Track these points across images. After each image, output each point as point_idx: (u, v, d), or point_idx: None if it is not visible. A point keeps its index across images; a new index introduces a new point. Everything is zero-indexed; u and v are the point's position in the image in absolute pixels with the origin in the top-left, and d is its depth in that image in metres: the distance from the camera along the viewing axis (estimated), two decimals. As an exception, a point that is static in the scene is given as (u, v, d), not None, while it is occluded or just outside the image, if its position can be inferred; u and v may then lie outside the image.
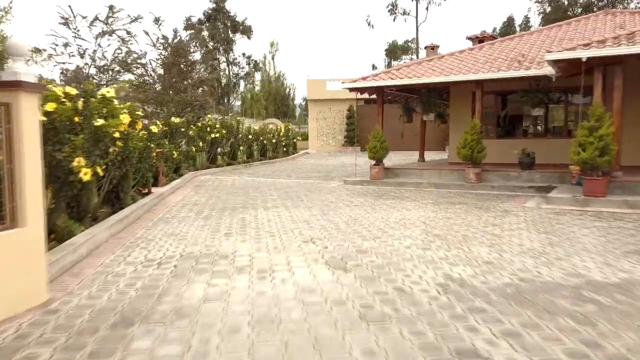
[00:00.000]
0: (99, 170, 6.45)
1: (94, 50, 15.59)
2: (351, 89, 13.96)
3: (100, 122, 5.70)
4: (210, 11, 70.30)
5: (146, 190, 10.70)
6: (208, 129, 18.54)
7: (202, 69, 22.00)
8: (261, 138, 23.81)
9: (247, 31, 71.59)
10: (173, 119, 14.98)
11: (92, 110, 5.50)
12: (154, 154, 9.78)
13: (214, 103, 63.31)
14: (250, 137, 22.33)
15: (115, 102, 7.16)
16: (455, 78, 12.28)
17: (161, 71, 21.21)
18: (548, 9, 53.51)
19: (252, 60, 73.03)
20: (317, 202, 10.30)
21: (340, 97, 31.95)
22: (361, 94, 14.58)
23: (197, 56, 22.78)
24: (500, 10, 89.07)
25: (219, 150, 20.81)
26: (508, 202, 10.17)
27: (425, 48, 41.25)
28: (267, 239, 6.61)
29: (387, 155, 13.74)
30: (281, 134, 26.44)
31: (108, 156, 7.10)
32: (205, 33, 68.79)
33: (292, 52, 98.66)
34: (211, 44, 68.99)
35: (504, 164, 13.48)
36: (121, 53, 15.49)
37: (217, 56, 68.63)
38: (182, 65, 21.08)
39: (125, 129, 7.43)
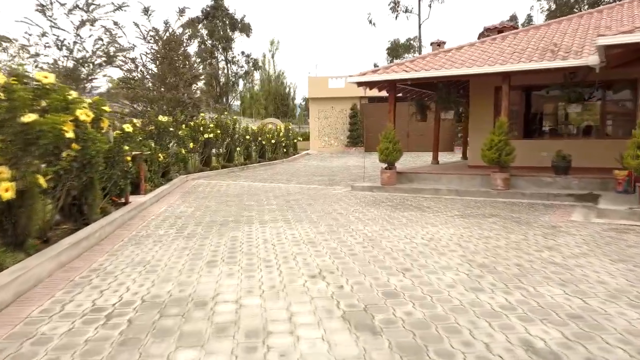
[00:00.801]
0: (41, 181, 4.88)
1: (74, 42, 14.04)
2: (359, 84, 12.41)
3: (31, 117, 4.16)
4: (208, 9, 68.71)
5: (123, 200, 9.15)
6: (201, 128, 16.99)
7: (196, 64, 20.41)
8: (259, 138, 22.25)
9: (246, 29, 70.05)
10: (160, 117, 13.42)
11: (16, 102, 3.96)
12: (129, 158, 8.21)
13: (212, 102, 61.91)
14: (247, 137, 20.78)
15: (72, 95, 5.60)
16: (480, 70, 10.72)
17: (153, 66, 19.68)
18: (553, 7, 51.93)
19: (251, 58, 71.52)
20: (323, 214, 8.74)
21: (343, 96, 30.41)
22: (370, 89, 13.02)
23: (191, 50, 21.23)
24: (503, 8, 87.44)
25: (213, 151, 19.27)
26: (548, 214, 8.61)
27: (431, 44, 39.66)
28: (262, 271, 5.05)
29: (400, 158, 12.18)
30: (281, 134, 24.90)
31: (60, 162, 5.55)
32: (203, 31, 67.42)
33: (292, 51, 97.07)
34: (209, 42, 67.62)
35: (532, 168, 11.93)
36: (102, 43, 13.91)
37: (216, 54, 67.21)
38: (174, 59, 19.54)
39: (86, 127, 5.88)
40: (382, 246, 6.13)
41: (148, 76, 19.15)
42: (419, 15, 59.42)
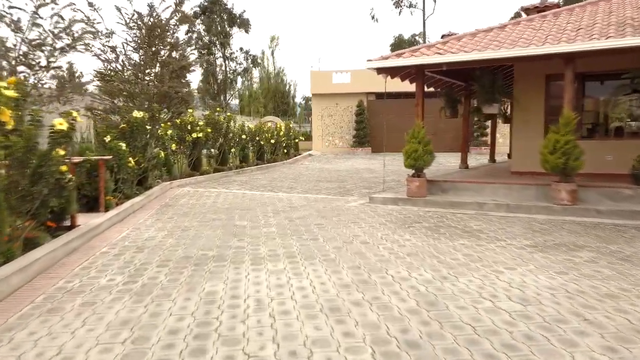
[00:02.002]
0: None
1: (29, 21, 11.60)
2: (379, 70, 9.98)
3: None
4: (206, 3, 66.22)
5: (69, 223, 6.73)
6: (189, 127, 14.57)
7: (186, 53, 17.95)
8: (257, 138, 19.81)
9: (245, 25, 67.54)
10: (135, 113, 10.98)
11: None
12: (65, 167, 5.77)
13: (208, 99, 59.30)
14: (244, 137, 18.34)
15: None
16: (541, 50, 8.29)
17: (136, 56, 17.26)
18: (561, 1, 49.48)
19: (250, 55, 69.07)
20: (341, 243, 6.32)
21: (349, 91, 28.00)
22: (392, 77, 10.62)
23: (180, 38, 18.76)
24: (510, 3, 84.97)
25: (204, 152, 16.84)
26: (654, 243, 6.20)
27: (442, 37, 37.30)
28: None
29: (432, 163, 9.74)
30: (281, 133, 22.47)
31: None
32: (200, 27, 64.98)
33: (292, 48, 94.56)
34: (207, 37, 65.20)
35: (594, 176, 9.51)
36: (64, 22, 11.44)
37: (213, 50, 64.76)
38: (159, 48, 17.10)
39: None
40: (454, 319, 3.69)
41: (129, 67, 16.72)
42: (424, 10, 56.98)
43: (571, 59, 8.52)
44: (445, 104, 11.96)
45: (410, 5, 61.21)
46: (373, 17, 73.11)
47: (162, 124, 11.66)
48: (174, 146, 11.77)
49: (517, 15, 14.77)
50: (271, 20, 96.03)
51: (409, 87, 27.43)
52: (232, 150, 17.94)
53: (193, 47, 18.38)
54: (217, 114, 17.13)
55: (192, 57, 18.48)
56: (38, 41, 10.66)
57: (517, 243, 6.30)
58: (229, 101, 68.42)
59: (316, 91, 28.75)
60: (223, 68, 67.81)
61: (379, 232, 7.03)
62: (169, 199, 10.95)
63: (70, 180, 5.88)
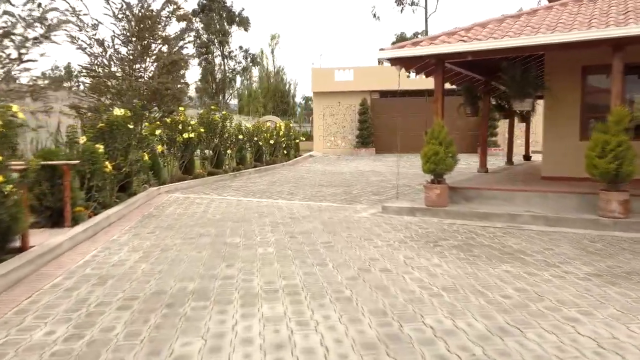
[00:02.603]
0: None
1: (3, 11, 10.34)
2: (393, 61, 8.68)
3: None
4: (204, 1, 64.97)
5: (19, 245, 5.46)
6: (180, 126, 13.29)
7: (178, 47, 16.64)
8: (255, 139, 18.52)
9: (244, 23, 66.37)
10: (116, 110, 9.69)
11: None
12: (1, 178, 4.48)
13: (207, 99, 58.01)
14: (241, 137, 17.05)
15: None
16: (591, 35, 7.02)
17: (124, 50, 15.98)
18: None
19: (249, 54, 67.86)
20: (356, 271, 5.04)
21: (352, 89, 26.74)
22: (407, 69, 9.35)
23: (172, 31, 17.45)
24: (511, 2, 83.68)
25: (198, 154, 15.58)
26: None
27: (448, 33, 35.96)
28: None
29: (455, 167, 8.45)
30: (281, 133, 21.19)
31: None
32: (199, 25, 63.76)
33: (292, 48, 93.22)
34: (205, 36, 63.99)
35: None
36: (37, 9, 10.18)
37: (212, 48, 63.49)
38: (149, 41, 15.83)
39: None
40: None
41: (117, 61, 15.44)
42: (426, 8, 55.76)
43: (621, 45, 7.25)
44: (465, 100, 10.67)
45: (412, 3, 59.94)
46: (375, 16, 71.77)
47: (147, 123, 10.37)
48: (160, 148, 10.50)
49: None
50: (271, 19, 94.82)
51: (413, 84, 26.22)
52: (228, 151, 16.66)
53: (186, 41, 17.11)
54: (212, 112, 15.85)
55: (186, 52, 17.25)
56: (5, 29, 9.42)
57: (575, 270, 5.02)
58: (228, 101, 67.21)
59: (317, 89, 27.47)
60: (222, 67, 66.67)
61: (400, 254, 5.76)
62: (154, 207, 9.68)
63: (12, 192, 4.60)
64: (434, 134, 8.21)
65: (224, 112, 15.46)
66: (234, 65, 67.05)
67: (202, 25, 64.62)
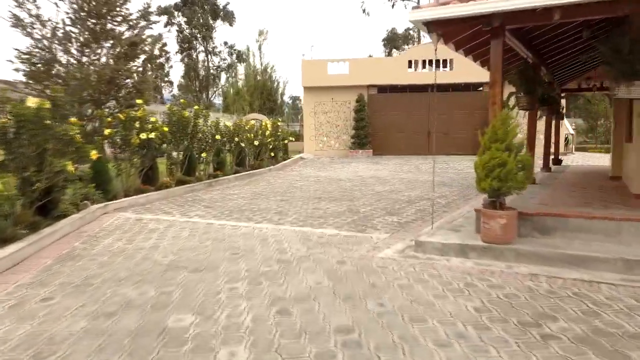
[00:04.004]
0: None
1: None
2: (431, 25, 5.83)
3: None
4: (187, -6, 61.74)
5: None
6: (137, 124, 10.33)
7: (140, 28, 13.64)
8: (236, 139, 15.58)
9: (229, 17, 63.46)
10: (29, 100, 6.73)
11: None
12: None
13: (190, 96, 54.88)
14: (218, 137, 14.11)
15: None
16: None
17: (75, 30, 12.97)
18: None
19: (235, 50, 64.79)
20: None
21: (346, 84, 23.92)
22: (446, 40, 6.55)
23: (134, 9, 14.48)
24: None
25: (163, 157, 12.63)
26: None
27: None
28: None
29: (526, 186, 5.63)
30: (267, 133, 18.27)
31: None
32: (181, 19, 60.65)
33: (280, 45, 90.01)
34: (188, 30, 60.87)
35: None
36: None
37: (195, 44, 60.36)
38: (104, 17, 12.84)
39: None
40: None
41: (61, 43, 12.44)
42: (418, 2, 53.23)
43: None
44: (520, 88, 7.86)
45: (404, -2, 57.57)
46: (364, 11, 68.99)
47: (73, 120, 7.41)
48: (93, 154, 7.56)
49: None
50: (258, 16, 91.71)
51: (415, 78, 23.44)
52: (203, 154, 13.71)
53: (152, 21, 14.13)
54: (182, 107, 12.88)
55: (149, 32, 14.30)
56: None
57: None
58: (212, 99, 64.06)
59: (308, 84, 24.57)
60: (206, 63, 63.52)
61: (495, 370, 2.94)
62: (84, 239, 6.76)
63: None
64: (497, 134, 5.40)
65: (196, 107, 12.51)
66: (219, 62, 64.01)
67: (184, 20, 61.54)
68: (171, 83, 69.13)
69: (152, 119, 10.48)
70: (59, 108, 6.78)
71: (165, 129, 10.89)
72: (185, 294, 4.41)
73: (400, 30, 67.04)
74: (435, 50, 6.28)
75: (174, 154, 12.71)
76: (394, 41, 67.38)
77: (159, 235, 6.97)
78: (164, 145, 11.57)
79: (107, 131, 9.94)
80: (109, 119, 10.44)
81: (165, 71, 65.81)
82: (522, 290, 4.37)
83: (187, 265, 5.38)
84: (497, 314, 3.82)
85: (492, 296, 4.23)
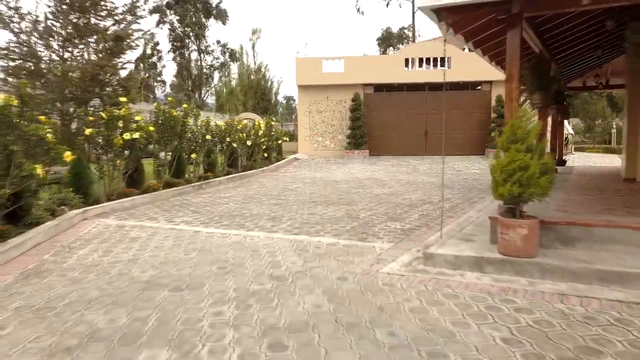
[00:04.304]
0: None
1: None
2: (442, 12, 5.21)
3: None
4: (179, -8, 60.92)
5: None
6: (120, 123, 9.66)
7: (127, 23, 12.94)
8: (228, 139, 14.93)
9: (221, 16, 62.70)
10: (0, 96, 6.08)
11: None
12: None
13: (186, 97, 54.10)
14: (209, 137, 13.46)
15: None
16: None
17: (58, 25, 12.27)
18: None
19: (227, 48, 64.05)
20: None
21: (342, 83, 23.33)
22: (456, 30, 5.93)
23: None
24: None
25: (151, 158, 11.96)
26: None
27: (446, 21, 32.65)
28: None
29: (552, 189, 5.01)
30: (260, 132, 17.63)
31: None
32: (173, 17, 59.90)
33: (274, 45, 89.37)
34: (180, 29, 60.08)
35: None
36: None
37: (187, 42, 59.57)
38: (87, 16, 12.14)
39: None
40: None
41: (42, 38, 11.74)
42: (413, 1, 52.82)
43: None
44: (531, 84, 7.24)
45: (399, -3, 57.26)
46: (358, 10, 68.61)
47: (43, 118, 6.74)
48: (67, 156, 6.88)
49: None
50: (251, 15, 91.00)
51: (412, 77, 22.86)
52: (193, 155, 13.06)
53: (138, 15, 13.42)
54: (165, 106, 12.20)
55: (136, 27, 13.60)
56: None
57: None
58: (205, 98, 63.32)
59: (303, 82, 23.92)
60: (198, 63, 62.76)
61: None
62: (56, 249, 6.10)
63: None
64: (516, 134, 4.79)
65: (185, 106, 11.84)
66: (212, 61, 63.27)
67: (177, 18, 60.78)
68: (164, 82, 68.35)
69: (137, 118, 9.81)
70: (27, 105, 6.08)
71: (151, 128, 10.23)
72: (162, 320, 3.77)
73: (395, 30, 66.56)
74: (445, 41, 5.67)
75: (162, 154, 12.06)
76: (388, 40, 66.86)
77: (141, 245, 6.32)
78: (151, 146, 10.92)
79: (87, 131, 9.27)
80: (91, 118, 9.76)
81: (158, 70, 65.08)
82: (555, 316, 3.76)
83: (168, 283, 4.74)
84: (532, 348, 3.21)
85: (521, 323, 3.62)
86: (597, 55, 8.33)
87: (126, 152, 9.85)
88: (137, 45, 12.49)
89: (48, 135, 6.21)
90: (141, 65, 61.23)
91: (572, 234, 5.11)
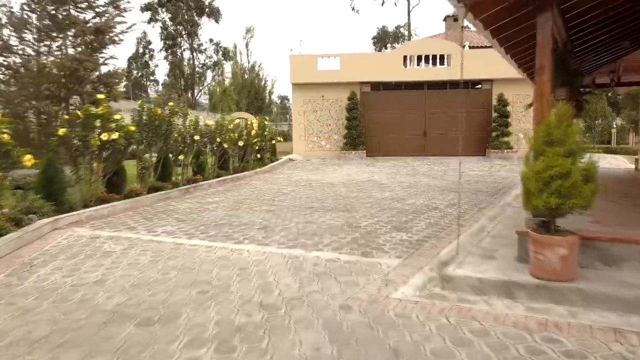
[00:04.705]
0: None
1: None
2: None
3: None
4: (172, -10, 59.90)
5: None
6: (97, 122, 8.82)
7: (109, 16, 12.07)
8: (219, 140, 14.09)
9: (214, 14, 61.69)
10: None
11: None
12: None
13: (178, 96, 53.32)
14: (197, 138, 12.63)
15: None
16: None
17: (34, 17, 11.40)
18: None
19: (221, 47, 63.10)
20: None
21: (338, 81, 22.53)
22: (476, 14, 5.16)
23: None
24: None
25: (136, 162, 11.13)
26: None
27: (445, 19, 32.08)
28: None
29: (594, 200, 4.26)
30: (253, 132, 16.81)
31: None
32: (165, 15, 58.94)
33: (268, 44, 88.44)
34: (172, 27, 59.08)
35: None
36: None
37: (179, 41, 58.61)
38: (67, 8, 11.29)
39: None
40: None
41: (13, 31, 10.87)
42: (408, 0, 52.13)
43: None
44: (558, 76, 6.49)
45: (394, -5, 56.76)
46: (353, 9, 67.81)
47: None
48: (27, 159, 6.04)
49: None
50: (245, 14, 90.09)
51: (410, 75, 22.09)
52: (181, 157, 12.23)
53: (122, 9, 12.55)
54: (148, 104, 11.36)
55: (120, 20, 12.75)
56: None
57: None
58: (198, 97, 62.36)
59: (297, 80, 23.10)
60: (191, 61, 61.80)
61: None
62: (13, 268, 5.29)
63: None
64: (553, 135, 4.02)
65: (171, 104, 11.01)
66: (205, 60, 62.28)
67: (169, 16, 59.80)
68: (157, 82, 67.29)
69: (117, 117, 8.97)
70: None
71: (132, 128, 9.39)
72: (121, 372, 2.97)
73: (390, 28, 65.89)
74: (462, 27, 4.89)
75: (147, 156, 11.23)
76: (384, 39, 66.17)
77: (113, 262, 5.50)
78: (132, 147, 10.09)
79: (61, 131, 8.44)
80: (66, 117, 8.93)
81: (151, 69, 64.03)
82: (617, 364, 2.99)
83: (137, 313, 3.94)
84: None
85: (577, 376, 2.85)
86: (624, 47, 7.62)
87: (104, 153, 9.00)
88: (121, 40, 11.68)
89: (4, 136, 5.38)
90: (134, 64, 60.25)
91: (616, 252, 4.35)
